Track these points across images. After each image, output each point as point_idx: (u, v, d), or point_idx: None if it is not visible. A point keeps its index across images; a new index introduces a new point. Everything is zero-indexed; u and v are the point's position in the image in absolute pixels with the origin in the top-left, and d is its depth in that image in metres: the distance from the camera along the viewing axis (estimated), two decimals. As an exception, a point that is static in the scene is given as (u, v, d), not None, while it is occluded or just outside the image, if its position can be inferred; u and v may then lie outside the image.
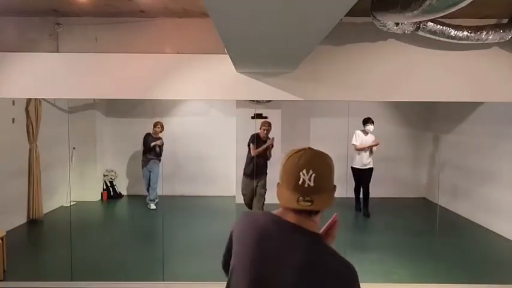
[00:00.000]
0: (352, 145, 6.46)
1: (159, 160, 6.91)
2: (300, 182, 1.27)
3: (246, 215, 1.45)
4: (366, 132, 6.55)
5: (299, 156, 1.31)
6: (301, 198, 1.26)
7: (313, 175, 1.27)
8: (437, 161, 5.92)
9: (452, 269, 4.67)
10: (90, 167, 7.38)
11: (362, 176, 6.54)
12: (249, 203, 5.80)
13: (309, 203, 1.25)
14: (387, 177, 6.22)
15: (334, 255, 1.28)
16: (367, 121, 6.52)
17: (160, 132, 6.90)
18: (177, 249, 5.19)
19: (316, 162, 1.31)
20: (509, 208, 5.69)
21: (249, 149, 5.86)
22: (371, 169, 6.57)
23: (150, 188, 6.85)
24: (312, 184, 1.26)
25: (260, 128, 5.92)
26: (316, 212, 1.31)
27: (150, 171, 6.82)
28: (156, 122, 6.89)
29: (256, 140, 5.83)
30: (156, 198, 6.87)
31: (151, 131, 6.94)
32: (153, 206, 6.80)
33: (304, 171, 1.27)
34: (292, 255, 1.24)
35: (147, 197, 6.90)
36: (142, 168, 6.96)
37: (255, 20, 2.19)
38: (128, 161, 7.74)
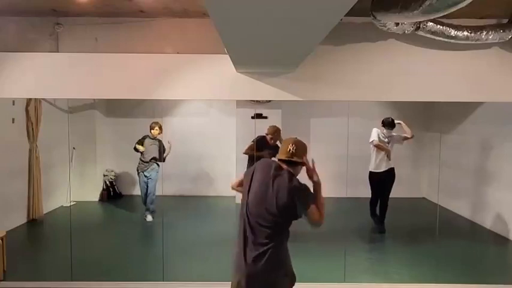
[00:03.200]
0: (370, 143, 5.91)
1: (158, 165, 6.42)
2: (288, 150, 2.52)
3: (264, 160, 2.69)
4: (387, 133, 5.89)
5: (290, 139, 2.61)
6: (287, 155, 2.52)
7: (294, 147, 2.52)
8: (438, 161, 5.91)
9: (452, 269, 4.67)
10: (90, 167, 7.37)
11: (378, 182, 5.86)
12: None
13: (290, 158, 2.51)
14: (387, 177, 6.19)
15: (298, 181, 2.47)
16: (385, 124, 5.89)
17: (159, 134, 6.38)
18: (177, 249, 5.18)
19: (297, 143, 2.56)
20: (509, 208, 5.69)
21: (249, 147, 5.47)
22: (389, 173, 5.83)
23: (147, 197, 6.35)
24: (293, 151, 2.51)
25: (267, 135, 5.48)
26: (295, 164, 2.53)
27: (148, 178, 6.34)
28: (154, 123, 6.38)
29: (262, 144, 5.43)
30: (154, 211, 6.37)
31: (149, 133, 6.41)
32: (149, 218, 6.34)
33: (290, 145, 2.53)
34: (282, 180, 2.45)
35: (146, 208, 6.42)
36: (138, 173, 6.44)
37: (255, 20, 2.19)
38: (128, 161, 7.73)
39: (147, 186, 6.36)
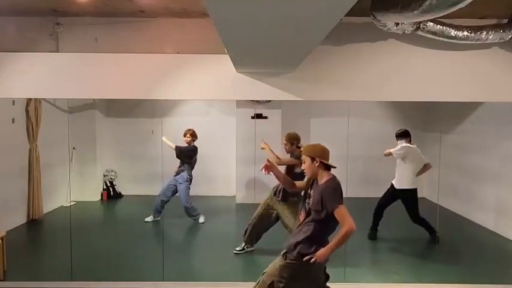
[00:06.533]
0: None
1: (190, 175, 6.13)
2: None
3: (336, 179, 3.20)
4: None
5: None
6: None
7: None
8: (438, 161, 5.91)
9: (453, 269, 4.67)
10: (90, 167, 7.37)
11: (393, 198, 5.52)
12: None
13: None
14: (387, 176, 6.19)
15: None
16: (398, 135, 5.53)
17: (191, 140, 5.99)
18: (177, 249, 5.19)
19: None
20: (510, 208, 5.69)
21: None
22: (405, 192, 5.45)
23: (162, 200, 6.11)
24: None
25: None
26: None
27: (175, 184, 6.11)
28: (187, 130, 6.01)
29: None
30: (157, 216, 6.18)
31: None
32: (147, 219, 6.19)
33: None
34: None
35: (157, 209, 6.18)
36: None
37: (254, 21, 2.19)
38: (128, 161, 7.74)
39: (171, 192, 6.12)
